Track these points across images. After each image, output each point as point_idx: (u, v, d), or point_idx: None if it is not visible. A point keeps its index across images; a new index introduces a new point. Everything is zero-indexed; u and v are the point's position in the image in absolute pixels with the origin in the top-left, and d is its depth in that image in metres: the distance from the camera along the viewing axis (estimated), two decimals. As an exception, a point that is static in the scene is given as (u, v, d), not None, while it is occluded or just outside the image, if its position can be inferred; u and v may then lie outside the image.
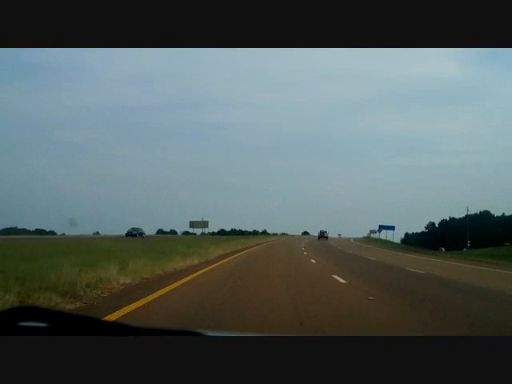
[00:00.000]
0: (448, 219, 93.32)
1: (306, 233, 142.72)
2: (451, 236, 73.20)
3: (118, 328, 1.29)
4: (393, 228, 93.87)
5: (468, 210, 75.30)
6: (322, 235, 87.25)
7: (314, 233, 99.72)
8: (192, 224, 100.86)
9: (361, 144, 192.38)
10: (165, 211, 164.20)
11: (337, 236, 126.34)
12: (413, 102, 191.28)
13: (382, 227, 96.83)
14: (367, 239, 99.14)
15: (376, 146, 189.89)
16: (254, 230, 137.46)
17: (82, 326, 1.27)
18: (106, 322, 1.35)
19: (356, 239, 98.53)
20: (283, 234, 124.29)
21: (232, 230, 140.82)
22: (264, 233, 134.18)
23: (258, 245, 45.17)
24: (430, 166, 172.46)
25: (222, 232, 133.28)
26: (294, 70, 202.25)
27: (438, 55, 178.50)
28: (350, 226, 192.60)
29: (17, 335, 1.19)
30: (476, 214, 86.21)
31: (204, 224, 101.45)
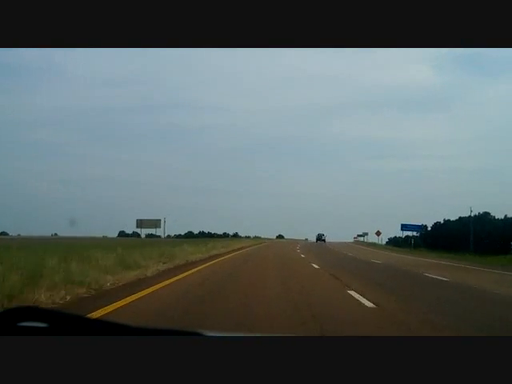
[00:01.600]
0: (442, 222, 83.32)
1: (280, 236, 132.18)
2: (450, 239, 66.90)
3: (118, 328, 1.28)
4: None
5: (472, 211, 69.21)
6: (320, 238, 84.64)
7: (291, 236, 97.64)
8: (140, 223, 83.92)
9: (335, 148, 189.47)
10: (133, 213, 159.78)
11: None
12: (386, 107, 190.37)
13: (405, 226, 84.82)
14: (356, 243, 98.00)
15: (350, 149, 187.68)
16: (225, 233, 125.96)
17: (82, 326, 1.27)
18: (105, 322, 1.33)
19: (347, 243, 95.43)
20: (256, 237, 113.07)
21: (200, 232, 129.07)
22: (235, 236, 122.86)
23: (230, 252, 30.62)
24: (404, 169, 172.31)
25: (189, 234, 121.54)
26: (269, 74, 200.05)
27: (411, 60, 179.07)
28: (328, 229, 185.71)
29: (16, 335, 1.20)
30: (470, 216, 75.22)
31: (155, 223, 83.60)
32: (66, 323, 1.26)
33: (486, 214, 71.59)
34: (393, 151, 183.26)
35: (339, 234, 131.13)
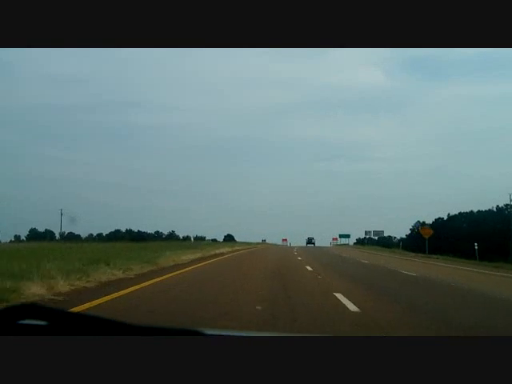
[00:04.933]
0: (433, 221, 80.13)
1: (229, 236, 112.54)
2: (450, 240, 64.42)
3: (118, 326, 1.27)
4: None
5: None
6: (310, 242, 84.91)
7: (242, 237, 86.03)
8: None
9: (288, 149, 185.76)
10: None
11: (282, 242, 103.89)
12: (337, 108, 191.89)
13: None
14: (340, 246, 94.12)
15: (302, 150, 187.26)
16: (157, 232, 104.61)
17: (82, 324, 1.26)
18: (105, 320, 1.31)
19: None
20: (199, 238, 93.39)
21: (128, 230, 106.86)
22: (171, 236, 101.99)
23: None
24: (354, 171, 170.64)
25: (115, 234, 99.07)
26: (223, 74, 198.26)
27: (363, 63, 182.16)
28: (280, 231, 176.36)
29: (16, 333, 1.20)
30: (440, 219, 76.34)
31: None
32: (65, 321, 1.25)
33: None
34: (344, 152, 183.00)
35: (295, 238, 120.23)
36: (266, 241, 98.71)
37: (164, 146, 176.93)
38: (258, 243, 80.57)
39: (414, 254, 45.59)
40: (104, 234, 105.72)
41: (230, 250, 38.84)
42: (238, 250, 41.24)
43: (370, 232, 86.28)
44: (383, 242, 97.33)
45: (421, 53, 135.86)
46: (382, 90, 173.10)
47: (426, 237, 45.46)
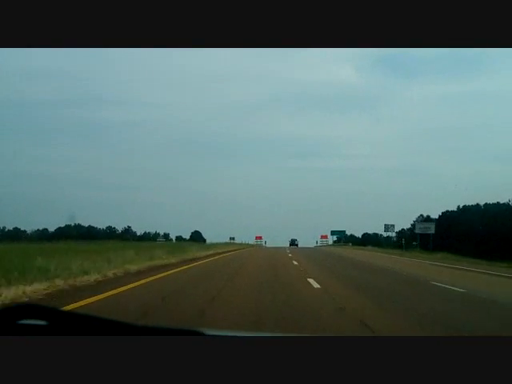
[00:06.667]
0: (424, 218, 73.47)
1: (196, 233, 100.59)
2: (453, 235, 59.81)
3: (118, 326, 1.27)
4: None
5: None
6: (293, 243, 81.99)
7: (212, 235, 77.72)
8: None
9: (263, 145, 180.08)
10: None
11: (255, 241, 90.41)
12: (311, 106, 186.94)
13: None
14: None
15: (276, 147, 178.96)
16: (110, 227, 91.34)
17: (81, 324, 1.26)
18: (105, 320, 1.31)
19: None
20: (165, 237, 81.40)
21: (76, 225, 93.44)
22: (127, 232, 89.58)
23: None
24: (329, 168, 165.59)
25: (61, 230, 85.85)
26: (193, 71, 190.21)
27: (336, 60, 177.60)
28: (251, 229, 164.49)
29: (16, 333, 1.19)
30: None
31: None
32: (65, 321, 1.25)
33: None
34: (316, 149, 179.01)
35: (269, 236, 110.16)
36: (235, 239, 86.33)
37: (129, 140, 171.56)
38: (226, 243, 66.64)
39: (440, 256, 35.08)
40: (50, 231, 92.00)
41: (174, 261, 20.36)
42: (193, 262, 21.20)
43: (391, 227, 70.86)
44: (365, 241, 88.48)
45: (392, 51, 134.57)
46: (356, 88, 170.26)
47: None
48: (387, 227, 65.21)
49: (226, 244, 58.62)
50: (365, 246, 75.01)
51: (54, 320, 1.23)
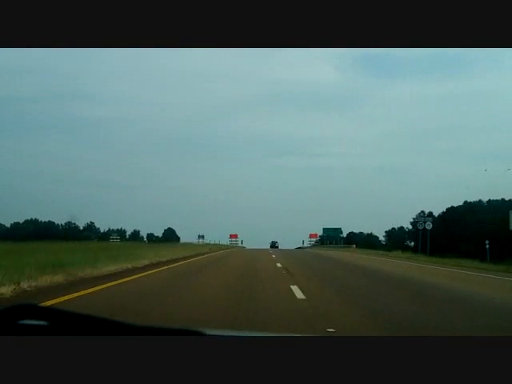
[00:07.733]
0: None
1: (170, 230, 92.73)
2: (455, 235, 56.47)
3: (118, 327, 1.28)
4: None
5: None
6: (274, 245, 79.28)
7: (185, 233, 72.94)
8: None
9: (237, 144, 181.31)
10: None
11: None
12: (289, 105, 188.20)
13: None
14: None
15: (254, 146, 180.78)
16: (69, 223, 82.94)
17: (82, 324, 1.27)
18: (106, 321, 1.31)
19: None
20: (119, 235, 73.24)
21: (33, 220, 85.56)
22: (89, 228, 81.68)
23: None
24: (306, 167, 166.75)
25: (16, 226, 78.02)
26: (172, 71, 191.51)
27: (315, 59, 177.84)
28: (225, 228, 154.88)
29: (16, 333, 1.20)
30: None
31: None
32: (65, 321, 1.25)
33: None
34: (293, 148, 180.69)
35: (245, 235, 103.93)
36: (205, 237, 77.32)
37: (103, 135, 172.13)
38: (198, 245, 56.71)
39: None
40: (5, 226, 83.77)
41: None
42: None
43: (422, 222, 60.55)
44: (350, 241, 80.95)
45: (372, 51, 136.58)
46: (335, 87, 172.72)
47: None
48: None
49: (186, 245, 50.25)
50: (349, 245, 68.63)
51: (55, 320, 1.23)
